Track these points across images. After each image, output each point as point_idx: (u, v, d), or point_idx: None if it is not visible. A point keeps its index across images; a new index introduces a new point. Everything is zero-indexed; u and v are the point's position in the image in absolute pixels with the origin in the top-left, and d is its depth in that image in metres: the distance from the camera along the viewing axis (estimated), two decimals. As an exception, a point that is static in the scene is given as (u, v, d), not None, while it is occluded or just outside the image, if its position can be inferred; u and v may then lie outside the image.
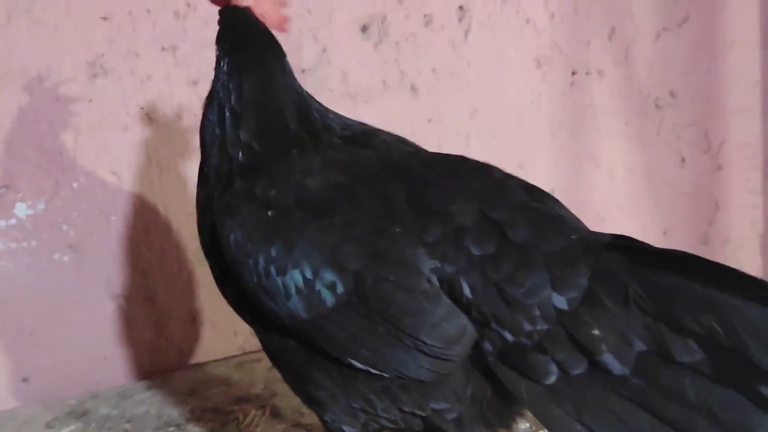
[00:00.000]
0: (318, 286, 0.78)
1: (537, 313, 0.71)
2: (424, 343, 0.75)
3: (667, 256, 0.68)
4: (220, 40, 0.95)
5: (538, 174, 1.85)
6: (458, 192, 0.79)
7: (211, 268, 0.92)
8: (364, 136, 0.91)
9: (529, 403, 0.71)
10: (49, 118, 1.46)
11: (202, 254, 1.63)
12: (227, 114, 0.90)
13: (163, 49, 1.51)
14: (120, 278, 1.56)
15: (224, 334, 1.67)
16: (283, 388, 1.40)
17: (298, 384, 0.87)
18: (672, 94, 1.99)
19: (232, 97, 0.90)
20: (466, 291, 0.74)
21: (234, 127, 0.89)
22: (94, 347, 1.56)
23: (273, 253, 0.81)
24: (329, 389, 0.83)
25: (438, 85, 1.77)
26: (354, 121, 0.94)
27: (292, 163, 0.87)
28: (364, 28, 1.68)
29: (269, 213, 0.83)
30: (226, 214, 0.86)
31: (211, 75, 1.59)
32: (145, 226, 1.56)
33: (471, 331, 0.74)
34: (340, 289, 0.77)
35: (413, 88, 1.74)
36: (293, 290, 0.80)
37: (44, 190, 1.47)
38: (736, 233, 2.09)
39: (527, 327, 0.71)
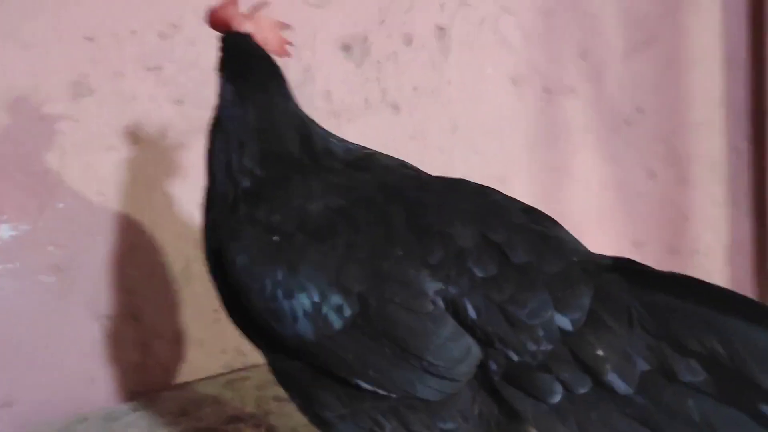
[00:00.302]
0: (325, 309, 0.80)
1: (541, 333, 0.74)
2: (430, 363, 0.77)
3: (667, 278, 0.72)
4: (223, 66, 0.96)
5: (518, 188, 1.91)
6: (457, 214, 0.82)
7: (217, 291, 0.94)
8: (364, 161, 0.94)
9: (535, 421, 0.74)
10: (33, 138, 1.44)
11: (189, 273, 1.65)
12: (233, 142, 0.92)
13: (148, 69, 1.52)
14: (106, 298, 1.55)
15: (211, 352, 1.67)
16: (277, 407, 1.41)
17: (305, 404, 0.88)
18: (640, 110, 2.07)
19: (237, 125, 0.92)
20: (471, 312, 0.77)
21: (239, 155, 0.91)
22: (80, 369, 1.55)
23: (279, 276, 0.83)
24: (336, 410, 0.84)
25: (419, 102, 1.81)
26: (356, 145, 0.97)
27: (293, 188, 0.89)
28: (346, 48, 1.71)
29: (274, 237, 0.85)
30: (231, 239, 0.88)
31: (197, 94, 1.61)
32: (132, 245, 1.56)
33: (476, 351, 0.77)
34: (347, 311, 0.79)
35: (395, 106, 1.78)
36: (300, 313, 0.82)
37: (29, 211, 1.45)
38: (703, 244, 2.17)
39: (531, 347, 0.74)
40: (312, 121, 0.98)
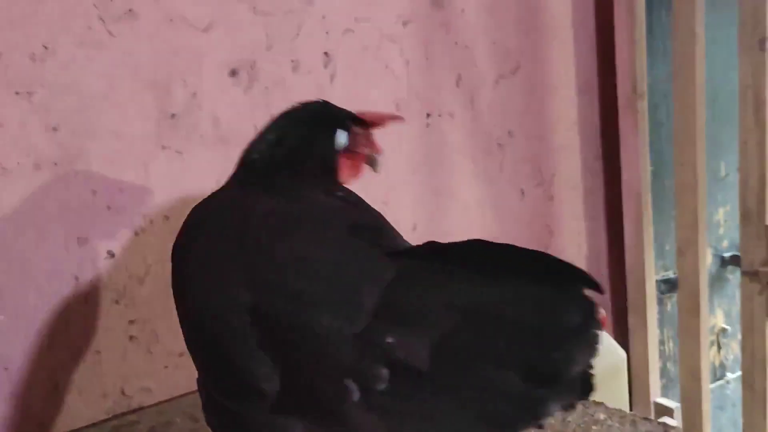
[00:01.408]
0: None
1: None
2: None
3: (454, 249, 0.75)
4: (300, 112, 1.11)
5: (403, 211, 1.96)
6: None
7: None
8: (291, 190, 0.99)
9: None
10: None
11: (65, 314, 1.51)
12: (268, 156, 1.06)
13: (17, 93, 1.38)
14: (-32, 349, 1.39)
15: (91, 398, 1.55)
16: (176, 451, 1.34)
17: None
18: (510, 134, 2.21)
19: (277, 147, 1.05)
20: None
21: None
22: (-64, 431, 1.37)
23: None
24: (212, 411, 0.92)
25: (307, 128, 1.80)
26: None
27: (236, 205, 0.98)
28: (233, 73, 1.67)
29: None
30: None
31: (73, 121, 1.50)
32: (-1, 288, 1.40)
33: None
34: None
35: (283, 132, 1.76)
36: None
37: None
38: (567, 255, 2.36)
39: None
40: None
